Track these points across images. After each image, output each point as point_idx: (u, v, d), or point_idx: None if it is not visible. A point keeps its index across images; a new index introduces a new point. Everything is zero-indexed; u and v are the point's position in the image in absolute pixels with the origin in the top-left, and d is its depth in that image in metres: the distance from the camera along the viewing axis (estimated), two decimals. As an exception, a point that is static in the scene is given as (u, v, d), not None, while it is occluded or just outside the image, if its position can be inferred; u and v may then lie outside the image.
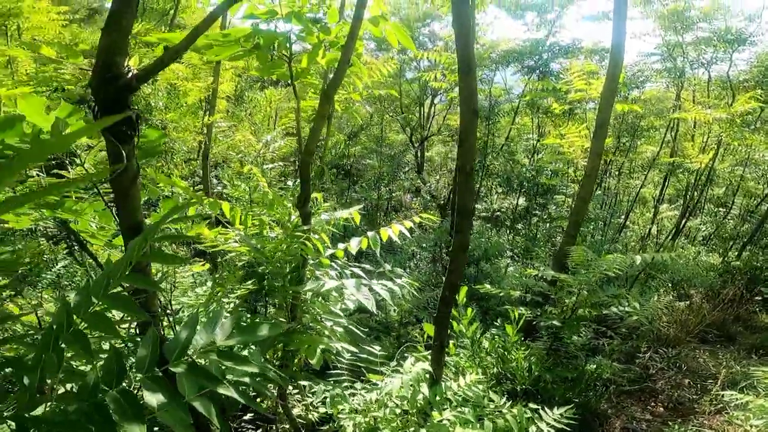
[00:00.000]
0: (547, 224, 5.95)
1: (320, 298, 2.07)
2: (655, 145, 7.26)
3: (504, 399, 2.44)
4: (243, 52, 2.31)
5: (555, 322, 3.23)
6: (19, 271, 3.28)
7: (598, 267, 3.01)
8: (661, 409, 3.83)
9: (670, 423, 3.44)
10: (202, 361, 0.99)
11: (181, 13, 6.00)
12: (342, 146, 8.18)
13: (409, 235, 1.76)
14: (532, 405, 2.45)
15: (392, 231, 1.68)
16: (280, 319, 2.14)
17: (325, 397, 2.37)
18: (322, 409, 2.60)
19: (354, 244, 1.71)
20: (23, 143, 1.70)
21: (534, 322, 3.54)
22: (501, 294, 3.51)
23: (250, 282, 2.23)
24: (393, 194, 8.40)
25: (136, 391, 1.02)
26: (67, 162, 2.69)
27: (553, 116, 7.17)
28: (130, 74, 1.25)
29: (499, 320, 3.77)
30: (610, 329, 4.13)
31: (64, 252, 3.74)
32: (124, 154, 1.20)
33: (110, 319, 0.89)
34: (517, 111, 7.97)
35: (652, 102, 7.44)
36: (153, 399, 0.89)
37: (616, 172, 7.06)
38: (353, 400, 2.42)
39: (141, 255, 0.88)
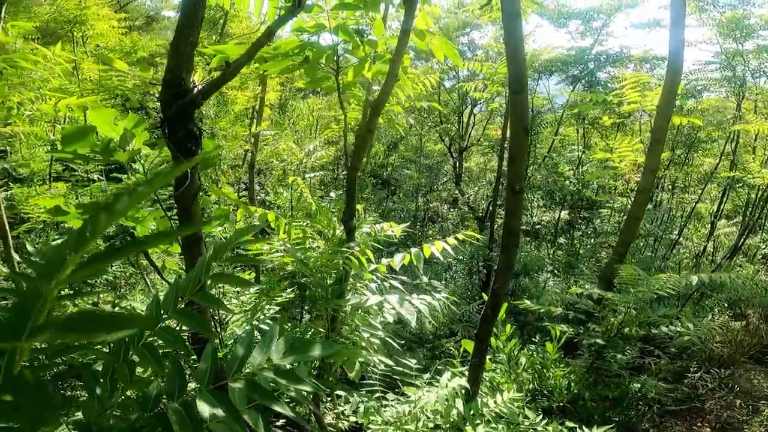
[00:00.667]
0: (592, 239, 5.73)
1: (359, 311, 2.09)
2: (713, 158, 6.85)
3: (540, 416, 2.38)
4: (293, 66, 2.39)
5: (599, 341, 3.11)
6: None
7: (649, 286, 2.87)
8: (708, 429, 3.62)
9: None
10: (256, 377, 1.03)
11: (229, 22, 6.27)
12: (381, 157, 8.23)
13: (452, 252, 1.75)
14: (569, 423, 2.38)
15: (435, 248, 1.68)
16: (320, 329, 2.19)
17: (358, 408, 2.39)
18: (352, 418, 2.62)
19: (397, 261, 1.72)
20: (94, 153, 1.83)
21: (575, 340, 3.42)
22: (541, 310, 3.41)
23: (290, 290, 2.29)
24: (430, 205, 8.36)
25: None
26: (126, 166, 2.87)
27: (601, 127, 6.92)
28: (195, 90, 1.32)
29: (537, 336, 3.67)
30: (658, 348, 3.93)
31: (119, 252, 3.95)
32: (189, 169, 1.26)
33: (179, 333, 0.95)
34: (561, 121, 7.75)
35: (710, 112, 7.04)
36: (207, 410, 0.92)
37: (670, 186, 6.72)
38: (385, 411, 2.42)
39: (210, 276, 0.93)
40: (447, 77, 9.45)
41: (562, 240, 6.20)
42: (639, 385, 3.40)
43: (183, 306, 0.95)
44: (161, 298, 1.00)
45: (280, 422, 2.99)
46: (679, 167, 6.47)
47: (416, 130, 8.50)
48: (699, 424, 3.68)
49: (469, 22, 9.20)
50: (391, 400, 2.51)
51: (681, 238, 6.94)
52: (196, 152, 1.34)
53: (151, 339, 0.97)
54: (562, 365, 3.29)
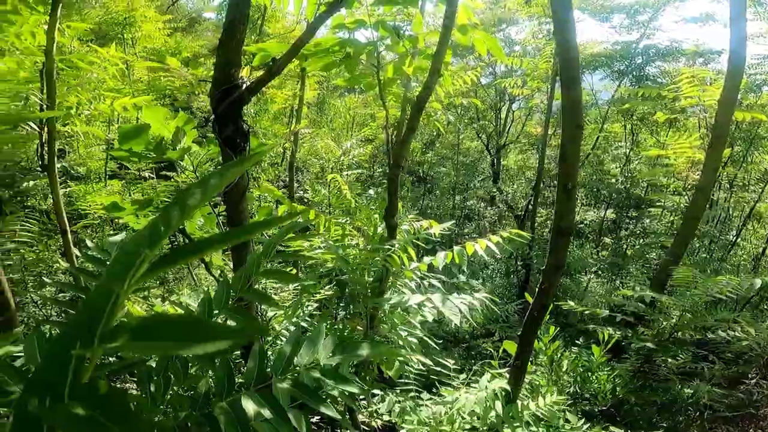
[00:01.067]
0: (640, 240, 5.45)
1: (399, 309, 2.07)
2: (775, 155, 6.34)
3: (581, 420, 2.28)
4: (334, 62, 2.40)
5: (649, 344, 2.96)
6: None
7: (706, 289, 2.70)
8: None
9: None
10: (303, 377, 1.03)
11: (266, 22, 6.40)
12: (418, 154, 8.18)
13: (497, 251, 1.70)
14: (614, 429, 2.28)
15: (479, 246, 1.64)
16: (358, 327, 2.18)
17: (393, 408, 2.37)
18: (386, 417, 2.61)
19: (441, 259, 1.69)
20: (148, 150, 1.91)
21: (623, 343, 3.27)
22: (586, 312, 3.28)
23: (328, 287, 2.30)
24: (467, 203, 8.24)
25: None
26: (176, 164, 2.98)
27: (651, 124, 6.58)
28: (244, 87, 1.34)
29: (581, 339, 3.53)
30: (712, 353, 3.70)
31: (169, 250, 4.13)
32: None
33: (230, 329, 0.95)
34: (606, 118, 7.44)
35: (771, 107, 6.53)
36: (252, 409, 0.92)
37: (728, 185, 6.30)
38: (421, 411, 2.39)
39: (260, 272, 0.94)
40: (483, 74, 9.28)
41: (607, 240, 5.94)
42: (692, 391, 3.21)
43: (233, 304, 0.96)
44: (212, 294, 1.01)
45: (315, 419, 3.03)
46: (737, 165, 6.04)
47: (453, 128, 8.39)
48: (751, 430, 3.47)
49: (505, 18, 9.01)
50: (426, 400, 2.49)
51: (739, 239, 6.49)
52: (244, 148, 1.36)
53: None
54: (607, 369, 3.16)
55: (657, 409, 3.18)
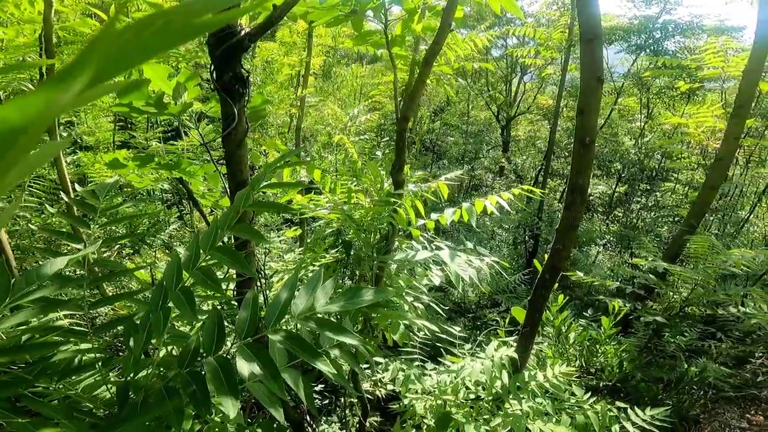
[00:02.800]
0: (652, 213, 5.34)
1: (405, 271, 2.03)
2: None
3: (588, 394, 2.26)
4: (339, 17, 2.29)
5: (659, 318, 2.91)
6: (139, 230, 3.69)
7: (720, 262, 2.63)
8: (761, 417, 3.38)
9: (770, 434, 3.01)
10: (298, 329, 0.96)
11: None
12: (426, 122, 8.03)
13: (508, 207, 1.63)
14: (619, 403, 2.26)
15: (489, 202, 1.57)
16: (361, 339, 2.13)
17: (397, 376, 2.35)
18: (390, 387, 2.60)
19: (448, 215, 1.63)
20: (148, 105, 1.84)
21: (630, 317, 3.22)
22: (596, 283, 3.22)
23: (335, 250, 2.25)
24: (475, 172, 8.13)
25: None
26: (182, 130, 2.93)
27: (667, 98, 6.38)
28: (243, 32, 1.26)
29: (589, 311, 3.49)
30: (721, 331, 3.66)
31: (176, 216, 4.12)
32: (236, 111, 1.22)
33: (216, 275, 0.89)
34: (621, 91, 7.22)
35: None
36: (246, 368, 0.86)
37: (744, 161, 6.13)
38: (425, 380, 2.38)
39: (248, 204, 0.87)
40: (495, 46, 9.02)
41: (618, 212, 5.85)
42: (698, 369, 3.19)
43: (222, 244, 0.90)
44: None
45: (319, 387, 3.04)
46: (756, 140, 5.87)
47: (463, 96, 8.21)
48: (753, 411, 3.46)
49: (519, -12, 8.72)
50: (431, 370, 2.47)
51: (752, 217, 6.35)
52: (243, 94, 1.30)
53: (189, 283, 0.92)
54: (613, 343, 3.13)
55: (663, 386, 3.17)
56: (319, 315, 0.92)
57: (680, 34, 6.64)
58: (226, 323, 1.21)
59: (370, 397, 2.65)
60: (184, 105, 2.05)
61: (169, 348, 1.40)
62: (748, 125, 4.51)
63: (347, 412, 2.83)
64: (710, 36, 6.77)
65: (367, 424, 2.63)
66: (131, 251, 3.97)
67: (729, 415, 3.37)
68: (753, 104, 5.82)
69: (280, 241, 2.95)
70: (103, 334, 1.06)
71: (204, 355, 0.86)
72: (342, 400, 2.88)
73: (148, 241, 3.65)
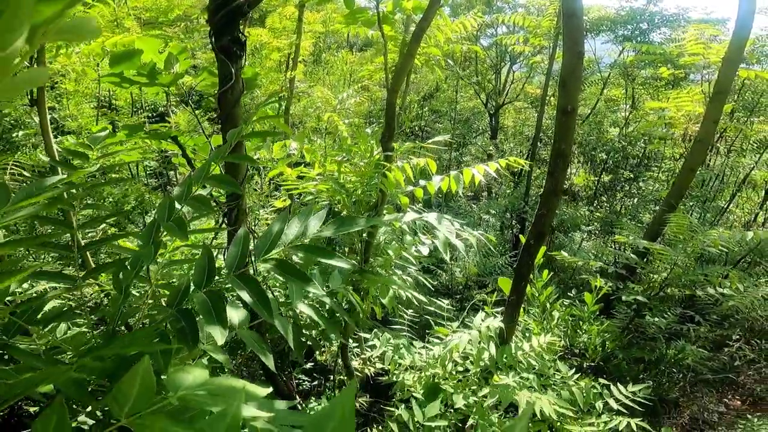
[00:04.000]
0: (635, 200, 5.48)
1: (394, 242, 2.06)
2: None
3: (572, 371, 2.34)
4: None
5: (639, 298, 3.00)
6: (125, 209, 3.65)
7: (702, 239, 2.72)
8: (738, 402, 3.54)
9: (749, 416, 3.14)
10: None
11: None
12: (415, 107, 8.05)
13: (495, 175, 1.67)
14: (602, 380, 2.34)
15: (477, 171, 1.60)
16: (352, 262, 2.17)
17: (384, 352, 2.39)
18: (379, 365, 2.64)
19: (436, 182, 1.66)
20: (140, 75, 1.84)
21: (612, 297, 3.31)
22: (581, 264, 3.30)
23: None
24: (463, 159, 8.21)
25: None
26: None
27: (651, 88, 6.52)
28: (241, -2, 1.28)
29: (573, 292, 3.58)
30: (699, 314, 3.79)
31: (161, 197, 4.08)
32: (233, 71, 1.25)
33: (209, 199, 0.91)
34: (607, 82, 7.34)
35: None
36: (236, 316, 0.87)
37: (725, 150, 6.31)
38: (413, 354, 2.42)
39: (239, 136, 0.88)
40: (484, 35, 9.06)
41: (604, 199, 5.99)
42: (676, 351, 3.30)
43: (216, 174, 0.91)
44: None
45: (309, 365, 3.07)
46: (737, 131, 6.04)
47: (452, 82, 8.25)
48: (731, 396, 3.59)
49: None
50: (419, 347, 2.51)
51: (732, 206, 6.54)
52: (241, 56, 1.32)
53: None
54: (597, 323, 3.22)
55: (643, 366, 3.26)
56: (312, 241, 0.93)
57: (666, 25, 6.77)
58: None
59: (360, 375, 2.69)
60: (176, 75, 2.05)
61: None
62: (726, 110, 4.65)
63: (337, 392, 2.86)
64: (695, 29, 6.95)
65: (357, 405, 2.67)
66: (118, 231, 3.94)
67: (707, 399, 3.49)
68: (736, 96, 5.99)
69: (270, 212, 2.96)
70: (91, 277, 1.06)
71: (194, 291, 0.86)
72: (332, 377, 2.91)
73: (136, 220, 3.63)
